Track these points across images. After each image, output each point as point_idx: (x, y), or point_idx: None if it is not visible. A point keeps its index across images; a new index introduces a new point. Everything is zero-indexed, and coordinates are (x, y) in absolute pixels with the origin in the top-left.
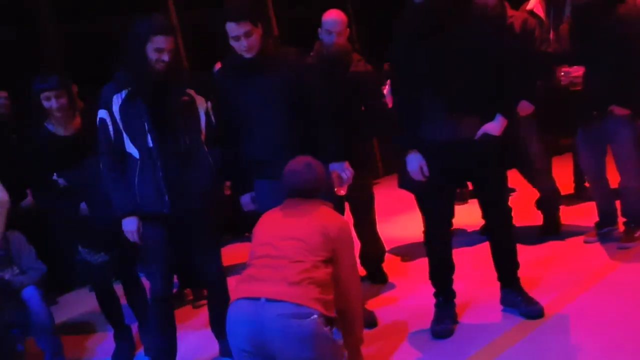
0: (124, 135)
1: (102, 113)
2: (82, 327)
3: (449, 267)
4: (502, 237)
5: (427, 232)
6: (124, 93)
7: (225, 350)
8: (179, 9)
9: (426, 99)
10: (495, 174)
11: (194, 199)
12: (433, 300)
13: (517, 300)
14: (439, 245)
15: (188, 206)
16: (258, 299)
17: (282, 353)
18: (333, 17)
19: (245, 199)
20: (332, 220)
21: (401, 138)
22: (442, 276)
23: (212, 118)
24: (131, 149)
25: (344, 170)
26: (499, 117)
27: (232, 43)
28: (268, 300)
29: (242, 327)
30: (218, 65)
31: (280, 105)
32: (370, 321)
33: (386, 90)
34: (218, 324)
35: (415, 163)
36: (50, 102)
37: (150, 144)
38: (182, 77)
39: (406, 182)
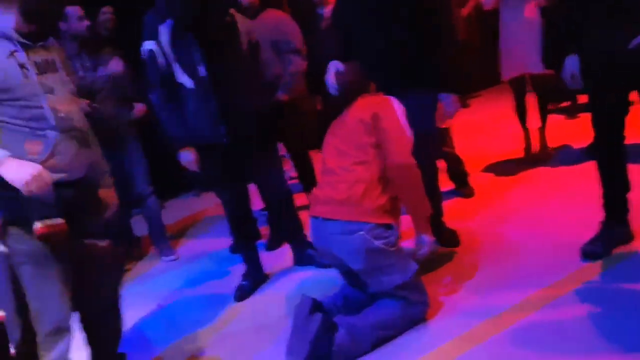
0: (175, 65)
1: (149, 44)
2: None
3: (621, 185)
4: None
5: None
6: (168, 23)
7: (300, 258)
8: None
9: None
10: None
11: (250, 124)
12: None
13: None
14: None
15: (245, 133)
16: (317, 217)
17: (347, 262)
18: None
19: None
20: (366, 105)
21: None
22: (611, 194)
23: (252, 36)
24: (183, 79)
25: (450, 104)
26: None
27: None
28: (324, 219)
29: (314, 242)
30: None
31: (401, 12)
32: (452, 240)
33: None
34: (292, 236)
35: (568, 69)
36: None
37: (203, 73)
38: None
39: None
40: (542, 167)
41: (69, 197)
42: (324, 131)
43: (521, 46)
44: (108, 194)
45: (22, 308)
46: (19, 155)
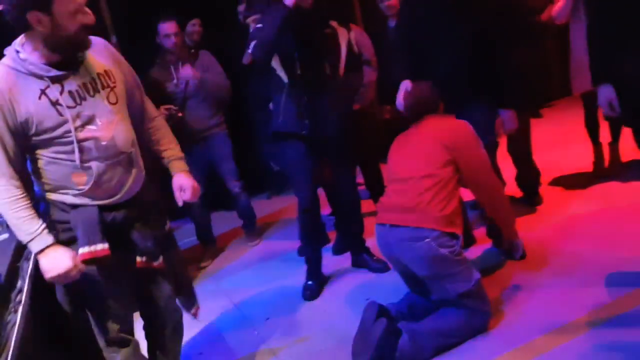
0: (276, 59)
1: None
2: None
3: None
4: None
5: None
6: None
7: (356, 261)
8: None
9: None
10: None
11: (331, 125)
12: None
13: None
14: None
15: (325, 131)
16: (384, 224)
17: (412, 268)
18: None
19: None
20: (447, 127)
21: (592, 67)
22: None
23: (355, 47)
24: (282, 72)
25: (509, 120)
26: None
27: None
28: (391, 226)
29: (380, 249)
30: None
31: (466, 35)
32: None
33: (558, 6)
34: (351, 240)
35: (604, 97)
36: None
37: (298, 72)
38: (324, 12)
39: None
40: (612, 181)
41: (117, 219)
42: (391, 141)
43: None
44: (161, 212)
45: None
46: (68, 187)
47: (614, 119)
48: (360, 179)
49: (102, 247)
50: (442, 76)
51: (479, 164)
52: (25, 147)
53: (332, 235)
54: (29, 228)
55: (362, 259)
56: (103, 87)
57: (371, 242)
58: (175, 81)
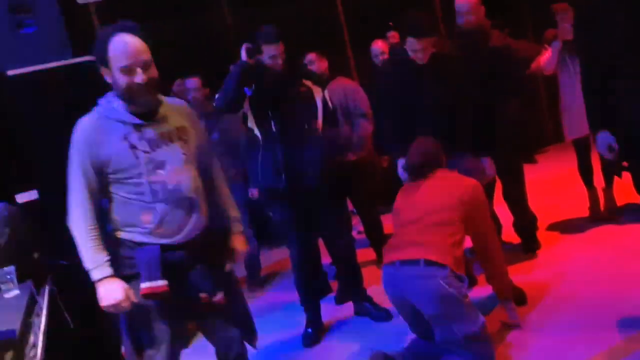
0: (251, 117)
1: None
2: None
3: None
4: None
5: None
6: (253, 87)
7: (358, 309)
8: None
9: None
10: None
11: (310, 178)
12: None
13: None
14: None
15: (305, 183)
16: (394, 262)
17: (420, 307)
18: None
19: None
20: (462, 183)
21: (588, 115)
22: None
23: (329, 104)
24: (257, 130)
25: (488, 166)
26: None
27: (410, 52)
28: (401, 263)
29: (387, 290)
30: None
31: (442, 99)
32: (520, 298)
33: (544, 58)
34: (351, 290)
35: (602, 143)
36: None
37: (273, 129)
38: (297, 72)
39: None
40: (609, 225)
41: (176, 258)
42: (389, 189)
43: (580, 110)
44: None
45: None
46: (136, 224)
47: (607, 164)
48: (360, 227)
49: (162, 283)
50: (429, 131)
51: (487, 226)
52: (103, 184)
53: (335, 284)
54: (94, 257)
55: (364, 308)
56: (178, 139)
57: (373, 290)
58: None
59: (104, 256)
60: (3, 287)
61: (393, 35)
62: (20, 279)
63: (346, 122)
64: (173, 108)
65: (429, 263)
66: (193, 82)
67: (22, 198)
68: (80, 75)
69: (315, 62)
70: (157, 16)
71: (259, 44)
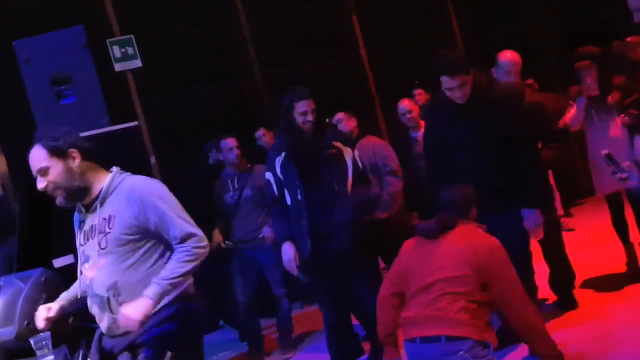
0: (285, 190)
1: (267, 175)
2: None
3: None
4: None
5: None
6: (283, 155)
7: None
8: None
9: None
10: None
11: (341, 241)
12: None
13: None
14: None
15: (334, 247)
16: (414, 340)
17: None
18: (512, 58)
19: None
20: (480, 242)
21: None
22: None
23: (359, 163)
24: (289, 200)
25: (531, 220)
26: None
27: (446, 91)
28: (422, 341)
29: None
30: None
31: (486, 140)
32: None
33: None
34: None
35: None
36: None
37: (299, 197)
38: (326, 133)
39: None
40: None
41: (107, 346)
42: None
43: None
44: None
45: None
46: None
47: None
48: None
49: None
50: (467, 182)
51: (511, 282)
52: None
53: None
54: None
55: None
56: (99, 232)
57: None
58: (231, 193)
59: None
60: (39, 353)
61: (419, 93)
62: (55, 344)
63: (376, 180)
64: (119, 193)
65: (450, 339)
66: (227, 143)
67: (58, 263)
68: (117, 143)
69: (343, 120)
70: (192, 82)
71: (290, 100)
